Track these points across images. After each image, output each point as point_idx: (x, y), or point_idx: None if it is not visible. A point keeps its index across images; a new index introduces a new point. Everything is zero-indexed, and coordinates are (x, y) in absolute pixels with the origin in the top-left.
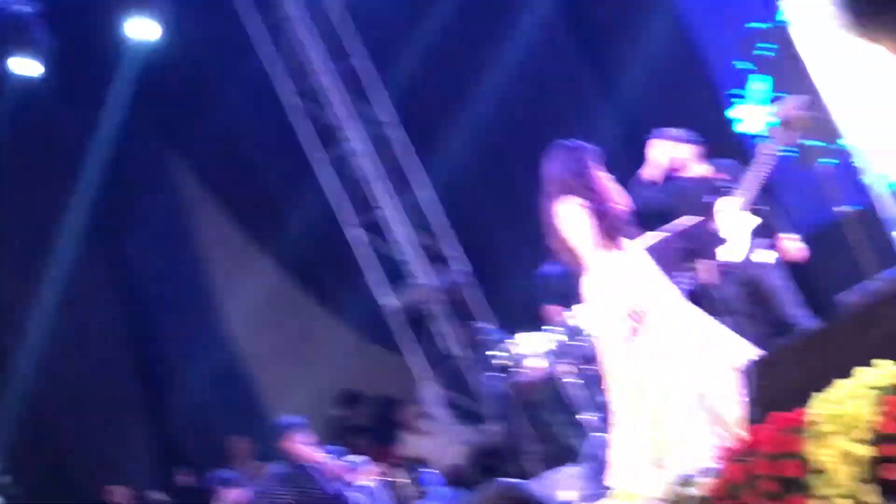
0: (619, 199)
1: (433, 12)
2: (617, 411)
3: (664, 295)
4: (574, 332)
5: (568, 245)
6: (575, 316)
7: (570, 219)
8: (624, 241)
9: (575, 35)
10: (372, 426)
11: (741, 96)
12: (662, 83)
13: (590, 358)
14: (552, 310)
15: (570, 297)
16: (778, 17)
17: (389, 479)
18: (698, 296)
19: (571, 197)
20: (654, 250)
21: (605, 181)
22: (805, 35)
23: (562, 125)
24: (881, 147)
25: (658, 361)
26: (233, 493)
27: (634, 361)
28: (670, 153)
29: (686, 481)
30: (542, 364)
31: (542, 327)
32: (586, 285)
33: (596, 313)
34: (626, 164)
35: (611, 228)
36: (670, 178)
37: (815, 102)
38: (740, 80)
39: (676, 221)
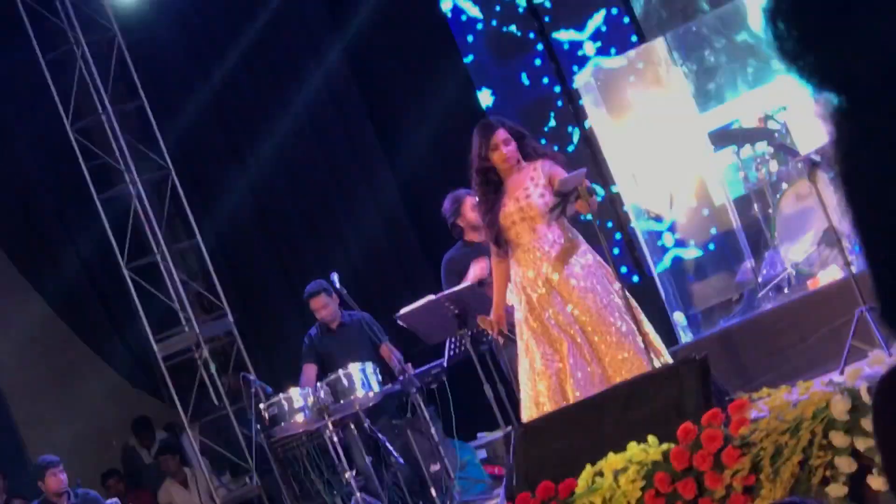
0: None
1: (219, 60)
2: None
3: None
4: (339, 392)
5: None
6: (340, 377)
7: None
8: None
9: (359, 89)
10: (131, 471)
11: None
12: (444, 141)
13: (355, 417)
14: (310, 369)
15: (334, 357)
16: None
17: None
18: (470, 359)
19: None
20: (428, 312)
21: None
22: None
23: (343, 181)
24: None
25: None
26: None
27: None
28: (471, 214)
29: None
30: (306, 420)
31: (307, 385)
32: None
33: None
34: (406, 219)
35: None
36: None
37: (595, 173)
38: None
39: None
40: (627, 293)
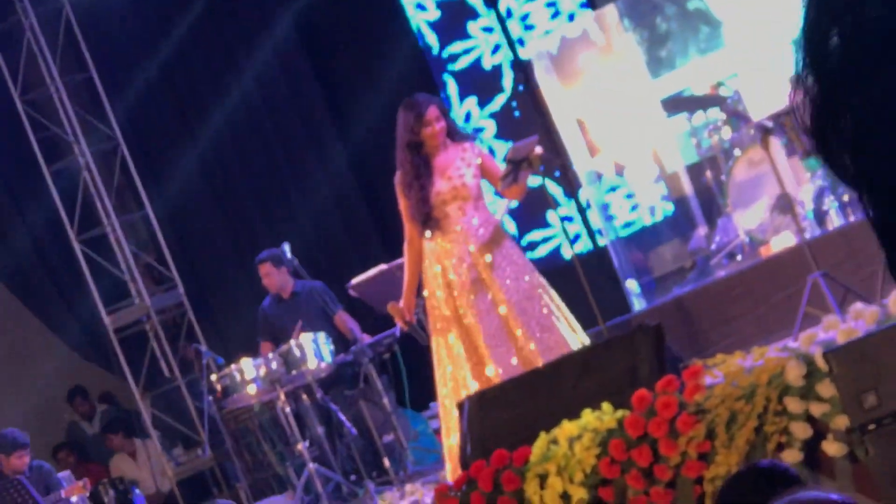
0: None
1: (168, 31)
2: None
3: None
4: (291, 363)
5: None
6: (292, 347)
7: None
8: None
9: (309, 61)
10: (78, 445)
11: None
12: (394, 112)
13: (307, 388)
14: (266, 347)
15: (286, 327)
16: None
17: (98, 498)
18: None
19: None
20: (380, 281)
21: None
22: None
23: (293, 152)
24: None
25: None
26: None
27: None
28: None
29: None
30: (258, 391)
31: (259, 357)
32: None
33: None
34: (356, 190)
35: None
36: None
37: (548, 142)
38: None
39: None
40: (542, 278)
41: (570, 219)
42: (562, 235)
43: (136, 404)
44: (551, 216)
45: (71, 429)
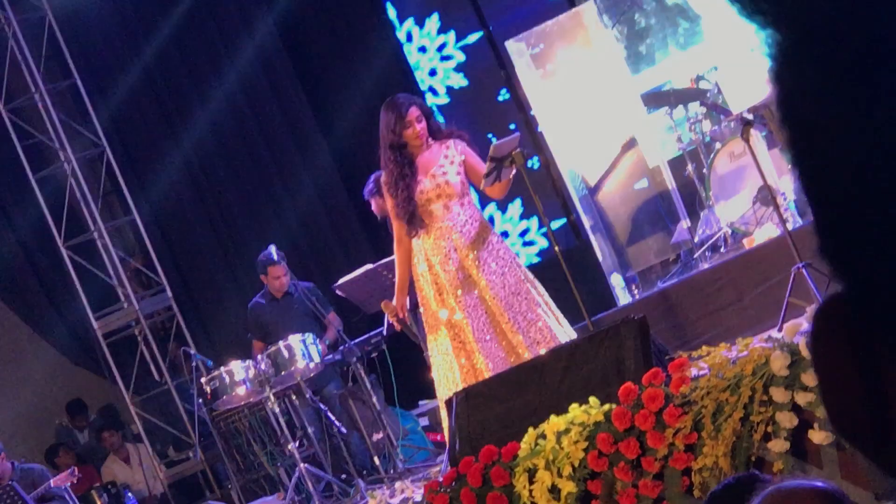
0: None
1: (151, 36)
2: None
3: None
4: (280, 364)
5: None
6: (281, 348)
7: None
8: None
9: (291, 61)
10: (75, 447)
11: None
12: (377, 111)
13: (297, 388)
14: (258, 343)
15: (278, 326)
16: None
17: (90, 502)
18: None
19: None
20: (366, 281)
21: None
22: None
23: (278, 153)
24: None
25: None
26: None
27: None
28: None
29: None
30: (248, 392)
31: (249, 359)
32: None
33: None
34: (342, 190)
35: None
36: None
37: (529, 138)
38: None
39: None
40: (529, 273)
41: (552, 214)
42: (545, 231)
43: (127, 408)
44: (533, 212)
45: (61, 434)
